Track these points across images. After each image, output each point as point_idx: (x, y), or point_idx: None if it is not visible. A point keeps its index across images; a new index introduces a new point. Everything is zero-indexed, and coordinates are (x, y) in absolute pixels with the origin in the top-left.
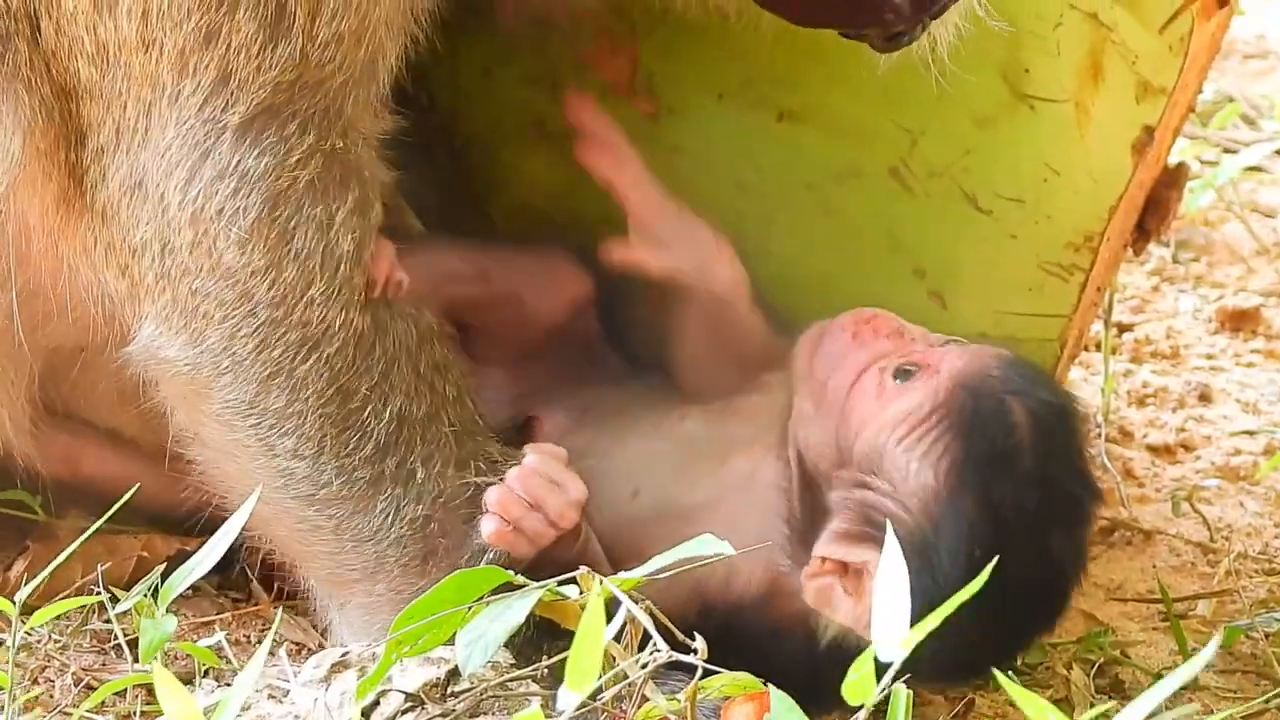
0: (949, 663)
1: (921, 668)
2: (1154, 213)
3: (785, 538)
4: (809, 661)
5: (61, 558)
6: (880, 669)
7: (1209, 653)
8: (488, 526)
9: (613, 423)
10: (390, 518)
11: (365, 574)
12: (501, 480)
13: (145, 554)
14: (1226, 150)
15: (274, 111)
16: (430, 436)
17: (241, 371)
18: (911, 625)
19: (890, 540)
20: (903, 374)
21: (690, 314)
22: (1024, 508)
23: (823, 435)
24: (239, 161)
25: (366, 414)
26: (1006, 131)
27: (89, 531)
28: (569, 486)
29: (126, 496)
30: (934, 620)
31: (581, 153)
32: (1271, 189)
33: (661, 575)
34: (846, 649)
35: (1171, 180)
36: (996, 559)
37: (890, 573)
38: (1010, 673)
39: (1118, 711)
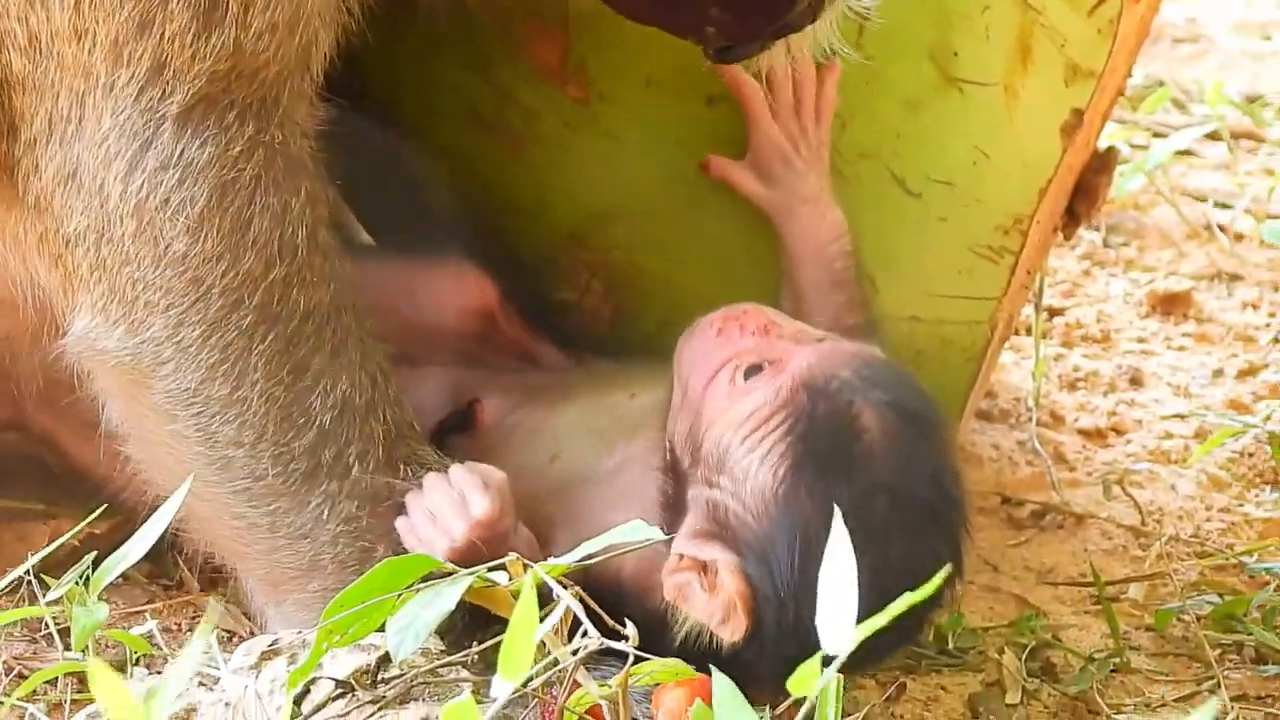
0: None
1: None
2: (1084, 197)
3: (661, 520)
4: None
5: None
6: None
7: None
8: (398, 524)
9: (552, 401)
10: (325, 514)
11: (301, 572)
12: (419, 486)
13: (53, 538)
14: (1157, 134)
15: (212, 101)
16: (366, 433)
17: (186, 360)
18: (749, 625)
19: (838, 533)
20: (753, 371)
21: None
22: (868, 515)
23: (683, 430)
24: (182, 151)
25: (315, 395)
26: (936, 114)
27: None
28: (473, 504)
29: (95, 514)
30: (880, 619)
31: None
32: (1201, 173)
33: (589, 560)
34: (700, 644)
35: (1101, 165)
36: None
37: (837, 566)
38: (941, 656)
39: (1052, 694)
